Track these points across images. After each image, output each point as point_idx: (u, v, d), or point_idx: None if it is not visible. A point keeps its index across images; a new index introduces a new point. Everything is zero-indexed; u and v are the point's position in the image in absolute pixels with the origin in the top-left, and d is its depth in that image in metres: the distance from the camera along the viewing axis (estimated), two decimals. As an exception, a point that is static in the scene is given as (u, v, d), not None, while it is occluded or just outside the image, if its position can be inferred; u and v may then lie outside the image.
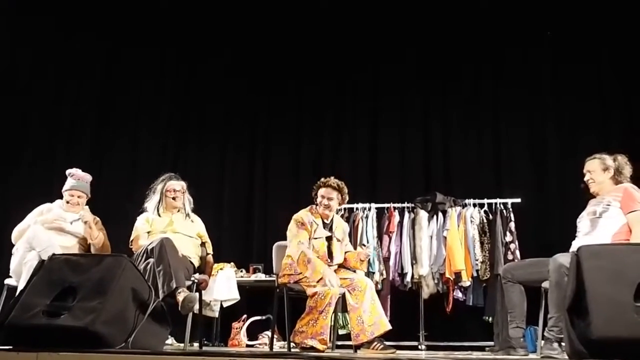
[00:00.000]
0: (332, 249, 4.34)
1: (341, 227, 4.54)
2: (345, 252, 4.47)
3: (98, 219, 4.73)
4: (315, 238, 4.27)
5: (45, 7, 6.82)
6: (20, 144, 6.78)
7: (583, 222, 3.86)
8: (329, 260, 4.29)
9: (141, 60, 6.97)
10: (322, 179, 4.42)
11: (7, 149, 6.69)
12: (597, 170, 3.91)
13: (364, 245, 4.59)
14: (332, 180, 4.41)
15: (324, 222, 4.37)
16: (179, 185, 4.54)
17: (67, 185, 4.61)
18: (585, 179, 3.97)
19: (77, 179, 4.59)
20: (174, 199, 4.48)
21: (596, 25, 6.27)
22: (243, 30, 6.89)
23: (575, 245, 3.74)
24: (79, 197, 4.57)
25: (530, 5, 6.42)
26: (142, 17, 6.93)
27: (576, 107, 6.30)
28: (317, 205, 4.40)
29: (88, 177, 4.65)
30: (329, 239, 4.35)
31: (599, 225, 3.72)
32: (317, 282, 4.02)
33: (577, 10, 6.31)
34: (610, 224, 3.69)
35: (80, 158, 6.59)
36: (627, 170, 3.89)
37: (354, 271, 4.44)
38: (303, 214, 4.33)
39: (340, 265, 4.39)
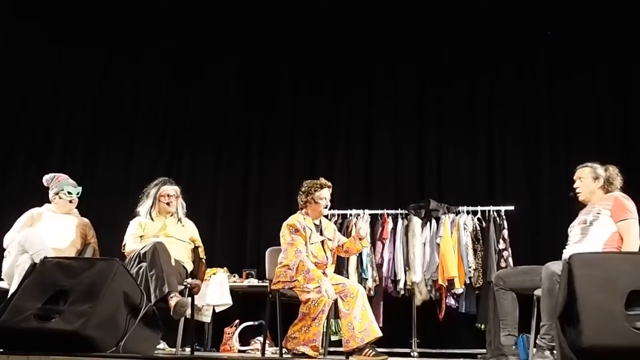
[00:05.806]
0: (326, 252, 4.35)
1: (330, 226, 4.54)
2: (343, 244, 4.49)
3: (87, 220, 4.73)
4: (312, 243, 4.27)
5: (41, 16, 6.82)
6: (15, 151, 6.77)
7: (574, 230, 3.88)
8: (327, 264, 4.29)
9: (135, 68, 6.98)
10: (315, 182, 4.40)
11: (1, 156, 6.68)
12: (587, 178, 3.93)
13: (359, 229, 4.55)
14: (326, 181, 4.42)
15: (315, 226, 4.38)
16: (172, 190, 4.51)
17: (58, 187, 4.60)
18: (575, 185, 3.99)
19: (63, 179, 4.64)
20: (167, 204, 4.45)
21: (591, 37, 6.30)
22: (238, 39, 6.90)
23: (566, 253, 3.76)
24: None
25: (525, 18, 6.45)
26: (136, 27, 6.95)
27: (570, 115, 6.34)
28: (305, 208, 4.38)
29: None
30: (322, 242, 4.36)
31: (590, 234, 3.73)
32: (313, 289, 4.00)
33: (572, 23, 6.35)
34: (601, 232, 3.70)
35: (74, 164, 6.61)
36: (618, 181, 3.90)
37: (347, 277, 4.43)
38: (295, 220, 4.29)
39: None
